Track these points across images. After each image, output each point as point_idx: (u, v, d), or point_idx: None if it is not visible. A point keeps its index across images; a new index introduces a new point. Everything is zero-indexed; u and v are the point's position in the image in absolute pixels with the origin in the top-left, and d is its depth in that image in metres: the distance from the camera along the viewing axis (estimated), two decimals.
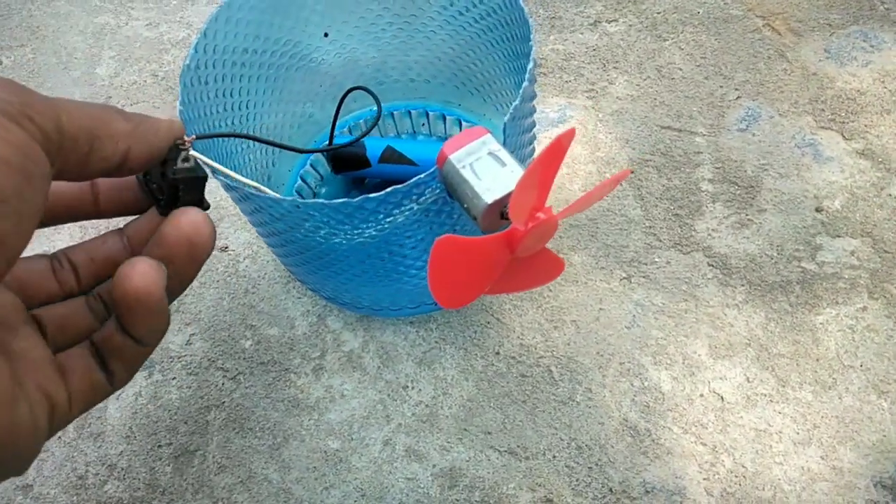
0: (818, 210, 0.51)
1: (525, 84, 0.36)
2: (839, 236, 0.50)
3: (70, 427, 0.48)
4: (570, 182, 0.54)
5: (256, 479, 0.45)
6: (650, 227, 0.52)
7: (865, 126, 0.54)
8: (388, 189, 0.34)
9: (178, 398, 0.49)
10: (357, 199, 0.34)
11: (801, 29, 0.60)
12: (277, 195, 0.36)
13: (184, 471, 0.46)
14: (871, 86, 0.56)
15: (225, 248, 0.54)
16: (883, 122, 0.54)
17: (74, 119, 0.22)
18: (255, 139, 0.36)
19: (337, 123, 0.55)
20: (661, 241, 0.51)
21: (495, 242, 0.32)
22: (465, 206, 0.34)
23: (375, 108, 0.55)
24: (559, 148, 0.31)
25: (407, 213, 0.37)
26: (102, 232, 0.30)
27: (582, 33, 0.62)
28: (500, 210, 0.33)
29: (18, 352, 0.23)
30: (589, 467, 0.44)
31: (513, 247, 0.34)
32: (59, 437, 0.48)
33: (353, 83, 0.53)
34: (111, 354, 0.26)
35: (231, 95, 0.45)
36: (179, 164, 0.29)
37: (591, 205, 0.35)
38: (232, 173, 0.35)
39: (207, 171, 0.33)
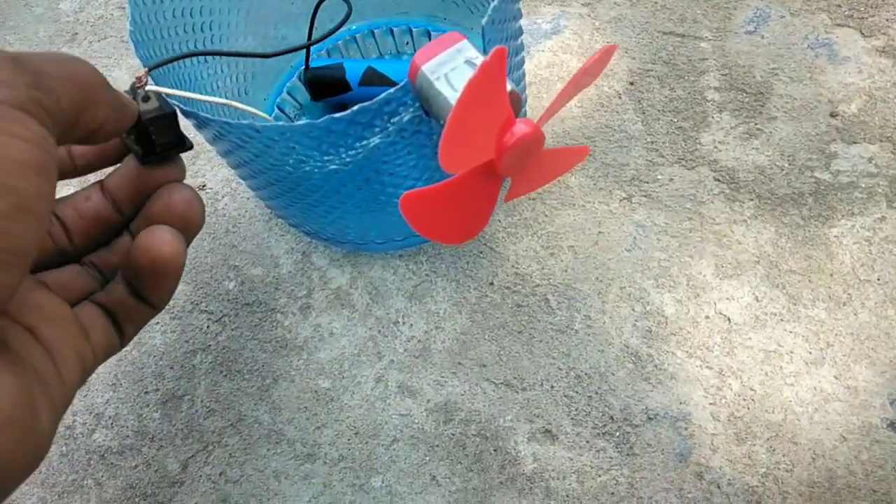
0: (833, 115, 0.47)
1: None
2: (855, 142, 0.46)
3: None
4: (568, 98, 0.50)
5: (247, 422, 0.44)
6: (652, 142, 0.48)
7: (886, 21, 0.49)
8: (356, 107, 0.31)
9: (163, 343, 0.47)
10: (322, 120, 0.31)
11: None
12: (248, 108, 0.34)
13: (172, 416, 0.45)
14: None
15: (203, 187, 0.52)
16: None
17: (68, 89, 0.21)
18: (211, 53, 0.33)
19: (315, 45, 0.52)
20: (663, 156, 0.48)
21: (470, 179, 0.29)
22: (443, 122, 0.31)
23: (355, 26, 0.51)
24: (494, 65, 0.27)
25: (380, 135, 0.34)
26: None
27: None
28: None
29: (48, 313, 0.23)
30: (589, 396, 0.42)
31: (496, 173, 0.31)
32: None
33: None
34: (124, 317, 0.27)
35: (191, 15, 0.41)
36: (142, 106, 0.28)
37: (573, 96, 0.32)
38: (188, 94, 0.32)
39: (174, 103, 0.31)
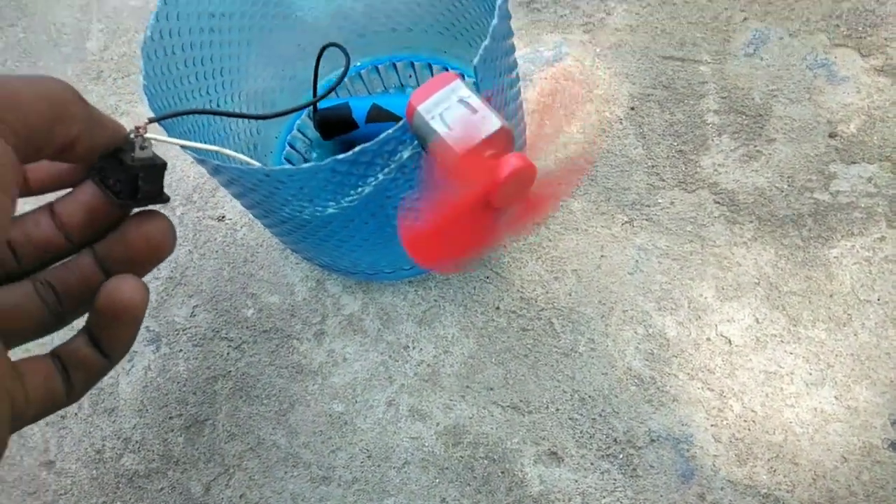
0: (832, 136, 0.48)
1: (494, 23, 0.34)
2: (855, 162, 0.47)
3: (85, 402, 0.50)
4: (568, 123, 0.52)
5: (265, 445, 0.46)
6: (653, 166, 0.49)
7: (885, 40, 0.50)
8: (357, 149, 0.32)
9: (186, 370, 0.49)
10: (325, 162, 0.33)
11: None
12: (247, 158, 0.36)
13: (195, 440, 0.47)
14: None
15: (222, 218, 0.54)
16: None
17: (34, 106, 0.21)
18: (214, 113, 0.35)
19: (324, 82, 0.54)
20: (664, 180, 0.49)
21: (468, 212, 0.31)
22: (439, 158, 0.33)
23: (359, 63, 0.53)
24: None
25: (382, 172, 0.35)
26: None
27: None
28: (476, 158, 0.32)
29: None
30: (593, 418, 0.43)
31: (492, 199, 0.32)
32: (76, 414, 0.50)
33: (338, 34, 0.52)
34: (75, 367, 0.26)
35: (203, 63, 0.43)
36: (138, 153, 0.28)
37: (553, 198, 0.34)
38: (195, 144, 0.34)
39: (172, 155, 0.32)
